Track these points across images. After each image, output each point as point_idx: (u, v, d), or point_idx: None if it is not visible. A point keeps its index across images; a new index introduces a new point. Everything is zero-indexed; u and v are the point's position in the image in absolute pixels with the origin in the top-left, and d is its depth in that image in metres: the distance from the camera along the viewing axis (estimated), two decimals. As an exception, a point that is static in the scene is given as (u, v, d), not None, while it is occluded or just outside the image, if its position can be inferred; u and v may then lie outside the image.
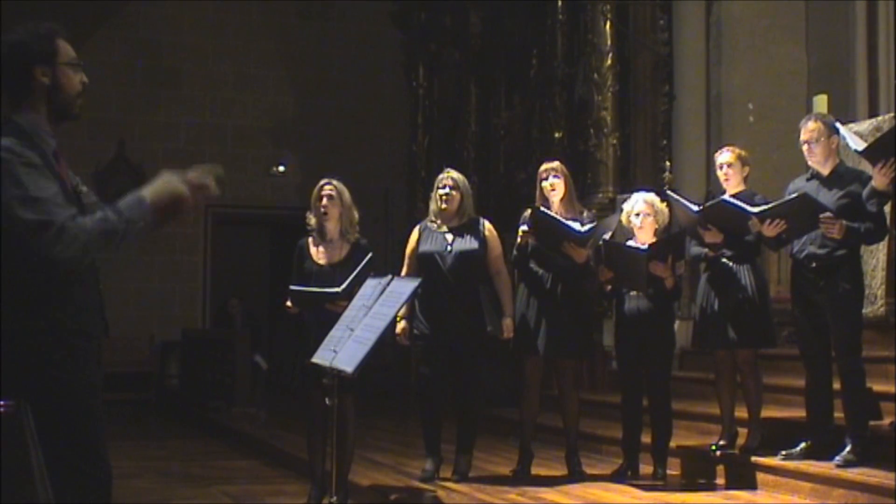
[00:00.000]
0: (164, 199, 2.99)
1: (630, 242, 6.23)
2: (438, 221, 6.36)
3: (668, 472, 6.19)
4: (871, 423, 5.65)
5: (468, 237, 6.29)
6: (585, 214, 6.43)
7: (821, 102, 8.02)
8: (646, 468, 6.24)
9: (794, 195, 5.61)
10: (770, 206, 5.67)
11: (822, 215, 5.41)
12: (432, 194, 6.43)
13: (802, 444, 5.65)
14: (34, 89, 3.10)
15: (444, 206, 6.31)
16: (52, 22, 3.18)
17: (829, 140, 5.62)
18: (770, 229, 5.61)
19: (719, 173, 6.14)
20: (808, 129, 5.66)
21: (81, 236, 2.90)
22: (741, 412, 6.12)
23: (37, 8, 12.77)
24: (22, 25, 3.14)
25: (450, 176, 6.37)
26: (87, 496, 3.06)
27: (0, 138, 2.99)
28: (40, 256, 2.90)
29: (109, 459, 3.17)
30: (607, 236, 6.21)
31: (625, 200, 6.59)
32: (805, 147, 5.66)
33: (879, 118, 7.13)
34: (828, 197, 5.56)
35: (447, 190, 6.32)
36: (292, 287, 5.85)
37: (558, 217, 6.21)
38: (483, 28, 12.56)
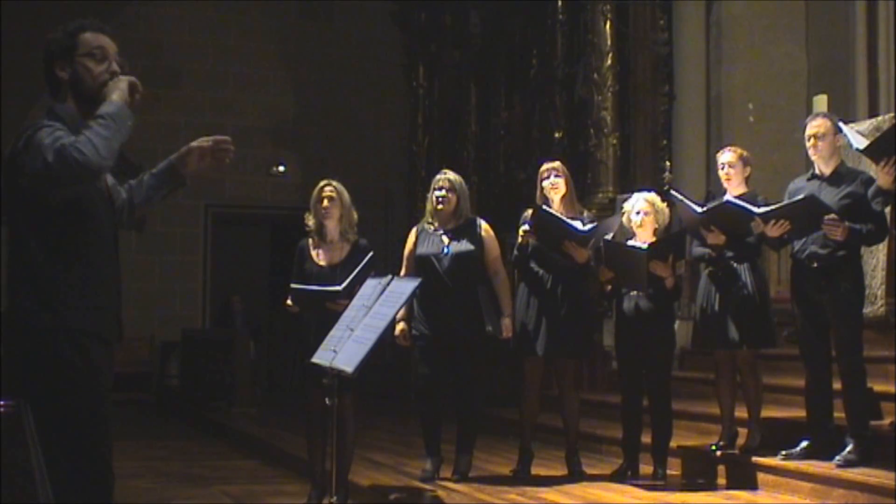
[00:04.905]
0: (124, 91, 3.16)
1: (630, 242, 6.22)
2: (435, 223, 6.35)
3: (668, 472, 6.19)
4: (872, 423, 5.65)
5: (464, 239, 6.27)
6: (586, 215, 6.43)
7: (821, 102, 8.02)
8: (646, 468, 6.23)
9: (800, 197, 5.58)
10: (775, 206, 5.65)
11: (826, 217, 5.40)
12: (429, 195, 6.43)
13: (802, 444, 5.65)
14: (59, 83, 3.24)
15: (440, 206, 6.30)
16: (90, 19, 3.33)
17: (835, 137, 5.61)
18: (774, 230, 5.60)
19: (721, 173, 6.13)
20: (815, 124, 5.64)
21: (89, 140, 3.01)
22: (741, 412, 6.12)
23: (37, 8, 12.80)
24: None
25: (446, 178, 6.35)
26: (88, 499, 3.06)
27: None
28: (65, 173, 2.98)
29: (113, 466, 3.16)
30: (609, 237, 6.20)
31: (625, 201, 6.58)
32: (810, 143, 5.64)
33: (879, 118, 7.12)
34: (829, 197, 5.54)
35: (443, 192, 6.31)
36: (293, 285, 5.85)
37: (560, 216, 6.20)
38: (483, 28, 12.56)
